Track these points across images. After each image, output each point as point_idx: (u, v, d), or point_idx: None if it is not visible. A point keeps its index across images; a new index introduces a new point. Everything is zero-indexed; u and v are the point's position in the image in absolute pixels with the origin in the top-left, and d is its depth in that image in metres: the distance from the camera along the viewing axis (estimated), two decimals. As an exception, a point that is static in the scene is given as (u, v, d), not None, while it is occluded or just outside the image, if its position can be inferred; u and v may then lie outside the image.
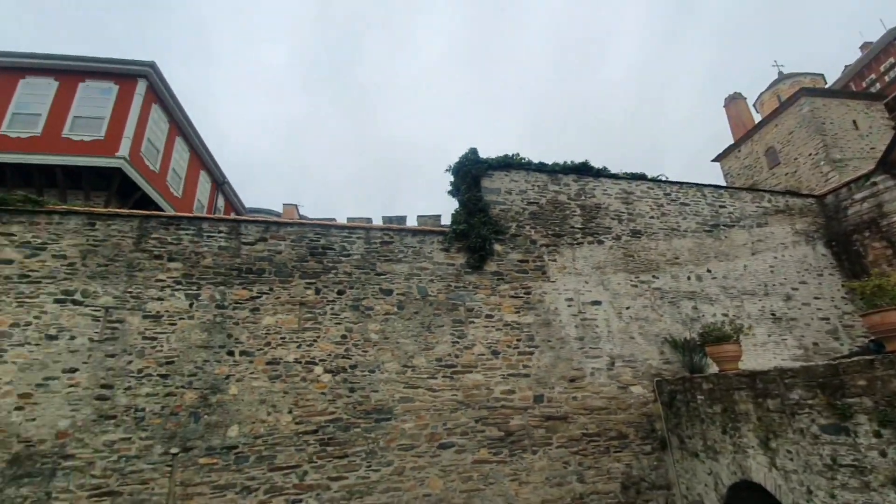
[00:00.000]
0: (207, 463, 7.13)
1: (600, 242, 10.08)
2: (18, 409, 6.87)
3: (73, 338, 7.33)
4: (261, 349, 7.80)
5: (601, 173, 10.75)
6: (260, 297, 8.12)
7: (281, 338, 7.93)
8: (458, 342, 8.53)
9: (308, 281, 8.40)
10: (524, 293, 9.20)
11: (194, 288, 7.95)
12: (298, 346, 7.94)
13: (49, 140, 11.36)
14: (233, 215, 16.19)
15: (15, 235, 7.75)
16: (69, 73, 12.00)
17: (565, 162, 10.59)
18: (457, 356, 8.43)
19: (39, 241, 7.79)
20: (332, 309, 8.28)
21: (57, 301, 7.48)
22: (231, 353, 7.69)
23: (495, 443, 8.00)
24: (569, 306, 9.29)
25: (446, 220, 11.47)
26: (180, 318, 7.73)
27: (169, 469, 6.99)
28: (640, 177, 11.01)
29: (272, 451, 7.29)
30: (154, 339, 7.54)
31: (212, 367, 7.56)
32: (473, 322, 8.75)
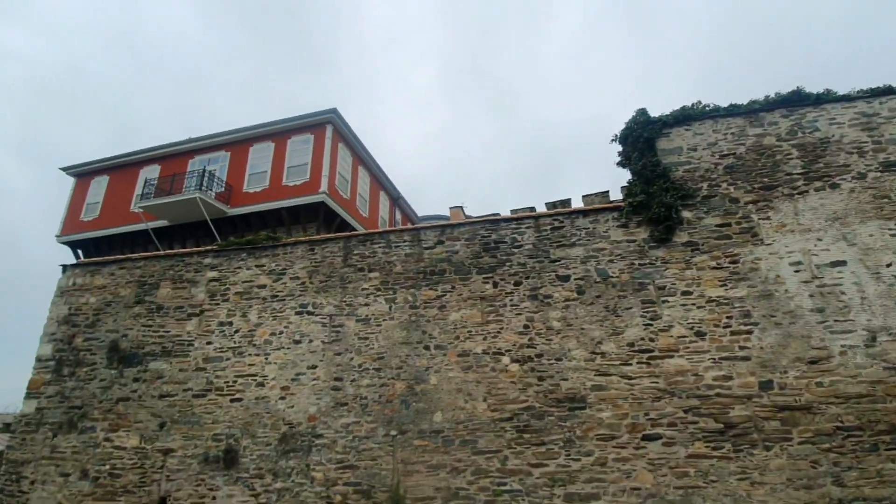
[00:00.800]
0: (421, 444, 7.96)
1: (834, 186, 7.91)
2: (282, 398, 8.82)
3: (311, 341, 9.08)
4: (451, 343, 8.39)
5: (823, 98, 8.43)
6: (444, 295, 8.76)
7: (468, 331, 8.39)
8: (651, 325, 7.72)
9: (485, 276, 8.71)
10: (729, 262, 7.81)
11: (391, 293, 9.04)
12: (484, 338, 8.28)
13: (274, 189, 14.43)
14: (409, 226, 18.00)
15: (264, 265, 10.02)
16: (280, 134, 15.06)
17: (767, 96, 8.64)
18: (652, 340, 7.63)
19: (280, 267, 9.90)
20: (510, 300, 8.41)
21: (297, 313, 9.38)
22: (427, 348, 8.47)
23: (713, 436, 6.95)
24: (796, 272, 7.52)
25: (615, 195, 10.57)
26: (384, 320, 8.87)
27: (391, 448, 8.04)
28: (887, 91, 8.27)
29: (473, 436, 7.74)
30: (367, 338, 8.82)
31: (413, 360, 8.45)
32: (667, 301, 7.81)
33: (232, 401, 8.90)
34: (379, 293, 9.10)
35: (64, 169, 17.48)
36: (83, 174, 17.31)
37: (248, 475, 8.35)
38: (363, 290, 9.21)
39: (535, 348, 8.00)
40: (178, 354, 9.56)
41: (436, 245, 9.21)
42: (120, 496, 8.80)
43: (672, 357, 7.47)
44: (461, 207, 16.10)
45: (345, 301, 9.22)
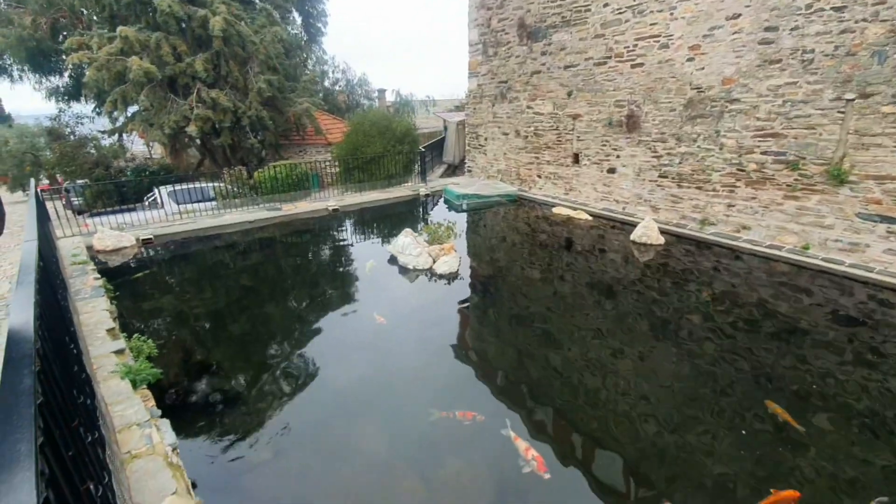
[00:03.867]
0: (893, 112, 5.79)
1: None
2: (689, 59, 7.78)
3: (731, -19, 7.01)
4: None
5: None
6: None
7: None
8: None
9: None
10: None
11: None
12: None
13: None
14: None
15: None
16: None
17: None
18: None
19: None
20: None
21: (713, -57, 7.13)
22: (961, -48, 5.06)
23: None
24: None
25: None
26: (871, -82, 5.60)
27: (841, 115, 6.24)
28: None
29: None
30: (828, -41, 6.01)
31: (920, -19, 5.36)
32: None
33: (633, 66, 8.59)
34: None
35: None
36: None
37: (650, 139, 8.60)
38: None
39: None
40: (577, 23, 9.49)
41: None
42: (544, 151, 11.08)
43: None
44: None
45: None
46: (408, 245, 7.53)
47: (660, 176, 8.57)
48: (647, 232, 7.88)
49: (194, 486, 2.99)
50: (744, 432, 3.61)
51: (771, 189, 7.09)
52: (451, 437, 3.73)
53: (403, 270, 7.32)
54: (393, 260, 7.64)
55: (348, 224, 10.51)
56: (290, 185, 12.06)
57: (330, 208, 10.59)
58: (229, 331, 5.69)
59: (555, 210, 10.05)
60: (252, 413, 4.00)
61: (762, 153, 7.09)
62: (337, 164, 13.71)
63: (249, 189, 12.09)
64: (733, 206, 7.61)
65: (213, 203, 10.97)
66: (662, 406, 3.99)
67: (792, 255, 6.77)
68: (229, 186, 11.77)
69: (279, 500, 3.16)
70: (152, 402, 3.26)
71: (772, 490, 3.01)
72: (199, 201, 10.51)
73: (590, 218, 9.43)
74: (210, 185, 11.87)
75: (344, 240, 9.59)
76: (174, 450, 2.72)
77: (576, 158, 10.23)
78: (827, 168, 6.44)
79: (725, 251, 7.40)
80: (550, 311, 5.96)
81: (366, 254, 8.17)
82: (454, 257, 7.38)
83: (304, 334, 5.56)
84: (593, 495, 3.14)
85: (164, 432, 2.79)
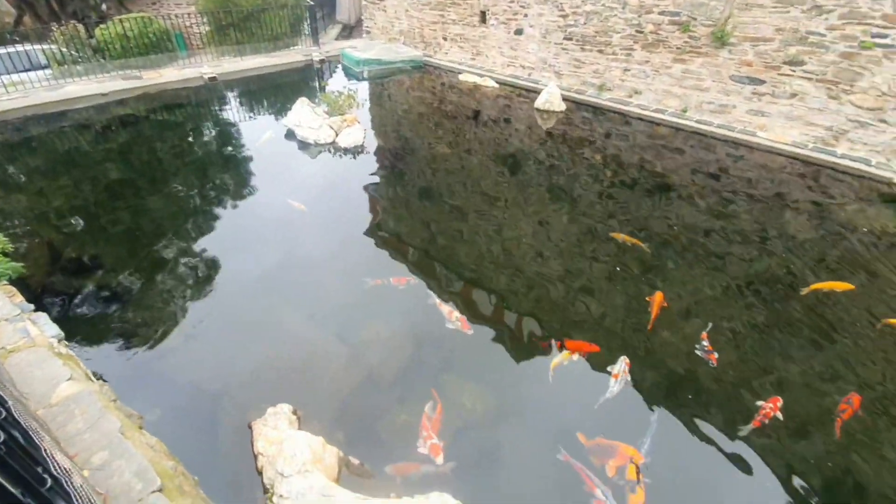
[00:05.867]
0: (776, -28, 6.02)
1: None
2: None
3: None
4: None
5: None
6: None
7: None
8: None
9: None
10: None
11: None
12: None
13: None
14: None
15: None
16: None
17: None
18: None
19: None
20: None
21: None
22: None
23: None
24: None
25: None
26: None
27: (732, -26, 6.36)
28: None
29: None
30: None
31: None
32: None
33: None
34: None
35: None
36: None
37: (557, -5, 8.19)
38: None
39: None
40: None
41: None
42: (449, 7, 10.12)
43: None
44: None
45: None
46: (306, 116, 6.87)
47: (565, 38, 8.40)
48: (551, 99, 7.96)
49: (103, 379, 2.87)
50: (618, 269, 4.23)
51: (663, 52, 7.34)
52: (379, 303, 3.89)
53: (304, 145, 6.78)
54: (290, 134, 6.99)
55: (231, 96, 9.18)
56: (148, 47, 9.95)
57: (206, 77, 9.08)
58: (105, 226, 5.03)
59: (461, 77, 9.61)
60: (150, 305, 3.78)
61: (660, 13, 7.15)
62: (205, 20, 11.40)
63: (93, 52, 9.78)
64: (629, 70, 7.84)
65: (48, 71, 8.80)
66: (554, 261, 4.47)
67: (672, 119, 7.36)
68: (64, 49, 9.38)
69: (197, 379, 3.18)
70: (20, 298, 2.89)
71: (647, 298, 3.73)
72: (26, 70, 8.34)
73: (496, 86, 9.20)
74: (38, 47, 9.35)
75: (229, 114, 8.45)
76: (60, 341, 2.51)
77: (482, 17, 9.54)
78: (713, 30, 6.74)
79: (617, 116, 7.81)
80: (457, 183, 6.05)
81: (258, 130, 7.35)
82: (358, 129, 6.94)
83: (199, 224, 5.11)
84: (500, 344, 3.59)
85: (42, 325, 2.54)
